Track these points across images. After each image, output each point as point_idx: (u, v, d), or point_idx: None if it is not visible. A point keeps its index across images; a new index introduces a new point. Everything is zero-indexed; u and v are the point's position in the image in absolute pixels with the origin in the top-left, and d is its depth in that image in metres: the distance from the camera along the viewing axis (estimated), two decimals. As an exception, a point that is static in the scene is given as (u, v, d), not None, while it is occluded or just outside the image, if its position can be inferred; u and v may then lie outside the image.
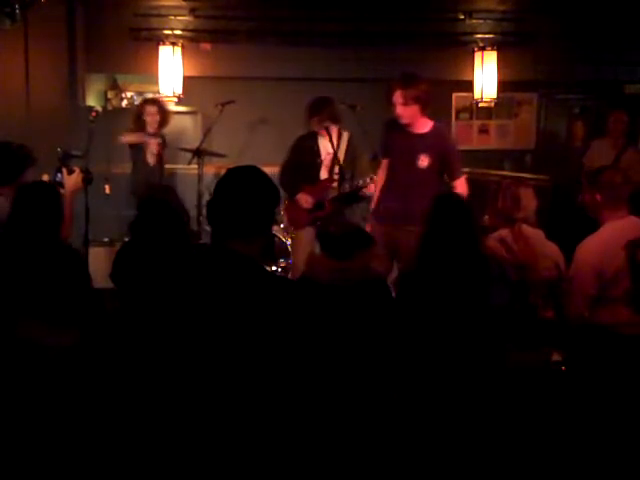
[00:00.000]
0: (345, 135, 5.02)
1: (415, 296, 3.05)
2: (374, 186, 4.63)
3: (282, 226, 5.71)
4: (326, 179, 4.96)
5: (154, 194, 3.56)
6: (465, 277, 2.98)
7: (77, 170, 3.97)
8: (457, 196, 3.39)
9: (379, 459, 2.82)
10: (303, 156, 5.01)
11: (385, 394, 2.93)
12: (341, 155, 4.91)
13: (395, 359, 2.95)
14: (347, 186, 4.80)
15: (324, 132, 4.86)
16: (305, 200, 4.97)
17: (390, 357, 2.92)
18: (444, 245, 2.99)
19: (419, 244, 3.09)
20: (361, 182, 4.79)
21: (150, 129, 5.83)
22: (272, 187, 2.17)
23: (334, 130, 4.93)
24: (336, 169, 4.83)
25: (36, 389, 2.85)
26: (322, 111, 4.87)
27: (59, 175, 3.95)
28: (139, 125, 5.83)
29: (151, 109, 5.82)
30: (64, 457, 2.83)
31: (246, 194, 2.08)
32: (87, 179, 4.14)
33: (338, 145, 4.92)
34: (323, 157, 4.98)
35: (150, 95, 6.92)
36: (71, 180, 3.91)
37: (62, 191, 3.61)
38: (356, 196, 4.95)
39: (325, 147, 4.92)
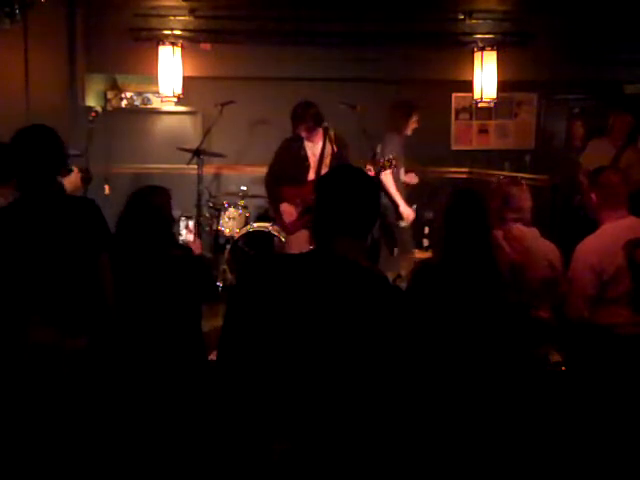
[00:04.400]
0: (331, 133, 5.03)
1: (434, 289, 3.05)
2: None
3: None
4: (314, 180, 4.96)
5: (136, 194, 3.49)
6: (485, 272, 3.00)
7: (75, 169, 3.97)
8: (474, 191, 3.36)
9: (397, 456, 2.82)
10: (289, 160, 5.03)
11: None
12: (329, 154, 4.94)
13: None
14: None
15: (311, 136, 4.91)
16: (289, 213, 5.01)
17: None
18: (464, 239, 3.00)
19: (437, 238, 3.12)
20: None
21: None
22: (376, 185, 2.28)
23: (319, 132, 4.95)
24: (323, 170, 4.84)
25: (48, 391, 2.81)
26: (306, 117, 4.88)
27: (57, 175, 3.95)
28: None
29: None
30: (73, 457, 2.82)
31: (359, 192, 2.14)
32: (86, 178, 4.13)
33: (324, 145, 4.95)
34: (310, 160, 5.00)
35: (149, 95, 6.92)
36: (69, 180, 3.90)
37: None
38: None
39: (311, 149, 4.95)
